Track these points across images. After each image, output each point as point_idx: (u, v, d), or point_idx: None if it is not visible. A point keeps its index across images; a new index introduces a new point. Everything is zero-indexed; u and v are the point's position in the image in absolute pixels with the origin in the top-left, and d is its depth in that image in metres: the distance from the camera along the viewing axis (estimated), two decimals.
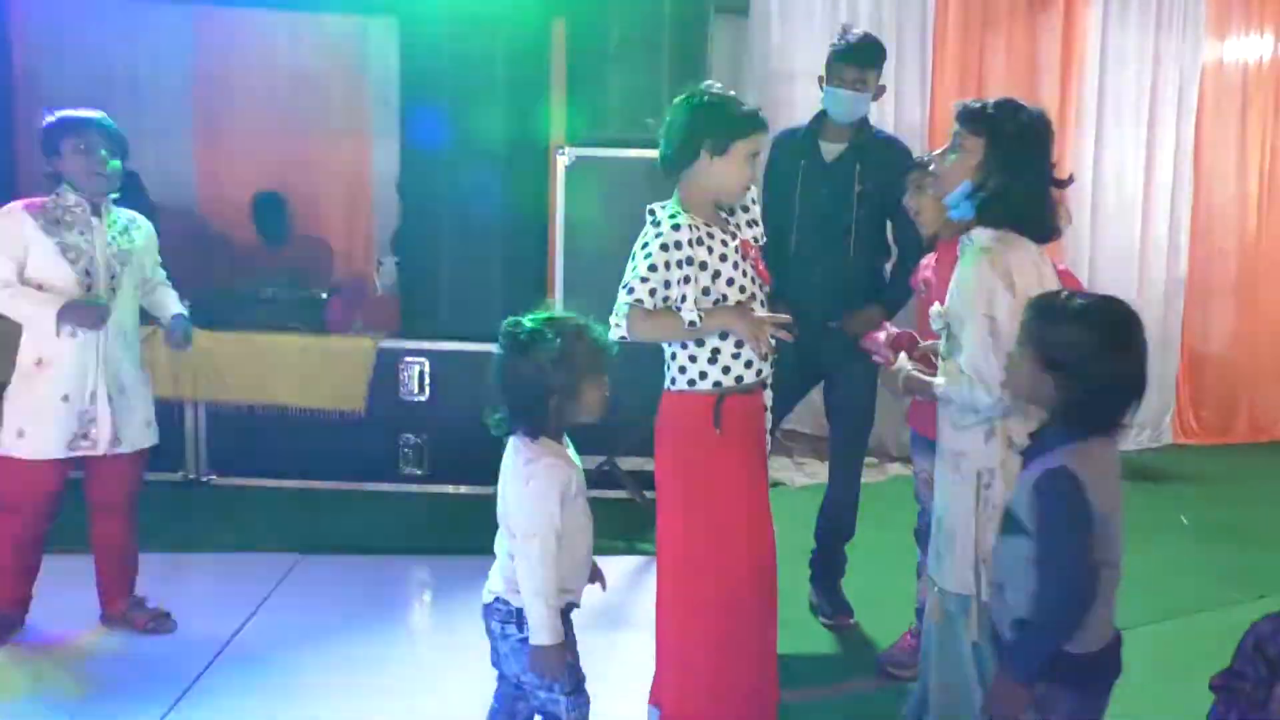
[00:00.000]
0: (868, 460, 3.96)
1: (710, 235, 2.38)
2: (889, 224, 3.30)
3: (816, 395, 3.48)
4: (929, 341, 2.41)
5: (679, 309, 2.33)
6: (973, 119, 2.19)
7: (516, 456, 2.07)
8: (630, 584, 3.54)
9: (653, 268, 2.32)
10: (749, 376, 2.42)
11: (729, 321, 2.35)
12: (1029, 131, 2.18)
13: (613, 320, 2.32)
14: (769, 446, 2.57)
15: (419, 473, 4.43)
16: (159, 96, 5.31)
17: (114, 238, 2.95)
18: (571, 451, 2.14)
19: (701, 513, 2.41)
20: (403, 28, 4.50)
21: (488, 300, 4.44)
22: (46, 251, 2.84)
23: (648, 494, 3.99)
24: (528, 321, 2.05)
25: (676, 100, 2.47)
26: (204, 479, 4.45)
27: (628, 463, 4.30)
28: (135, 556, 3.11)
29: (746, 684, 2.44)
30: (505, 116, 4.36)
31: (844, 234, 3.21)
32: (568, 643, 2.08)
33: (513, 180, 4.41)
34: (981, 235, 2.17)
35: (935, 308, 2.25)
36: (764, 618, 2.49)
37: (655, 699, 2.51)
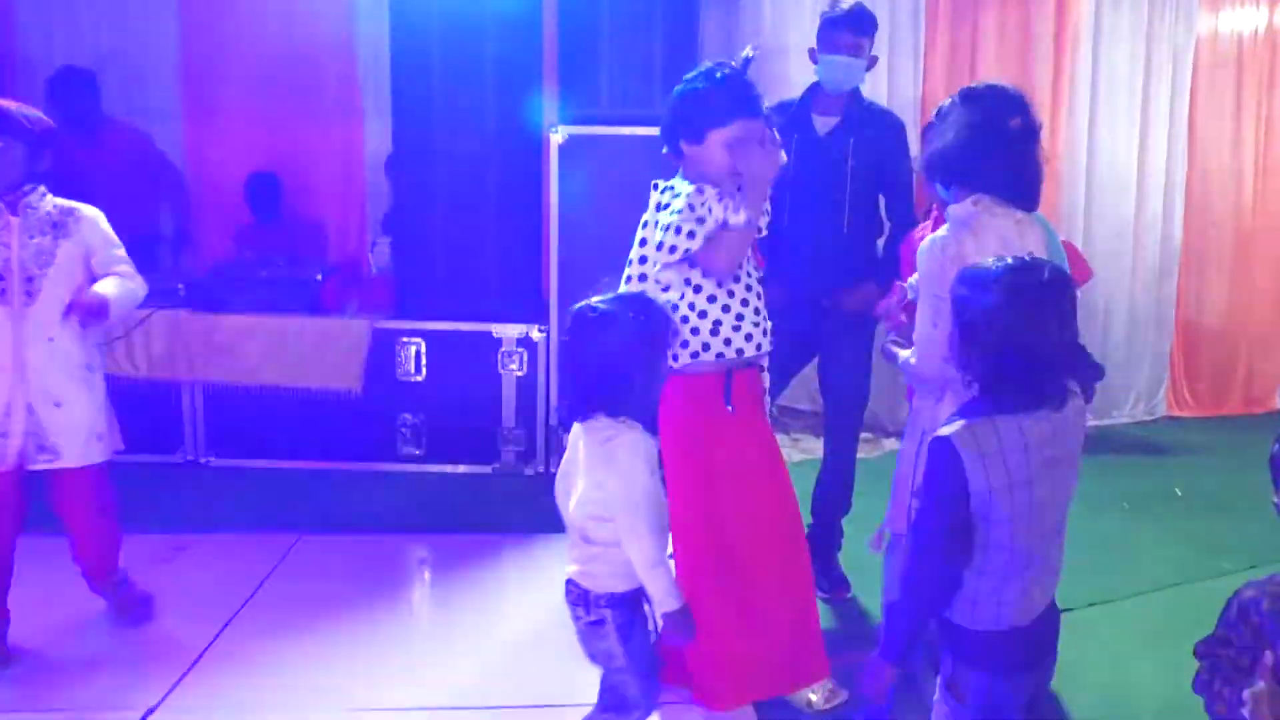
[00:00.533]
0: (864, 436, 3.98)
1: (710, 212, 2.39)
2: (881, 198, 3.31)
3: (811, 372, 3.49)
4: None
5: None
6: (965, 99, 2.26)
7: (592, 437, 2.05)
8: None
9: (685, 210, 2.33)
10: (749, 350, 2.44)
11: (761, 179, 2.34)
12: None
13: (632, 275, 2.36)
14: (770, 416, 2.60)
15: (416, 452, 4.45)
16: (148, 78, 5.29)
17: (34, 237, 2.68)
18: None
19: (721, 488, 2.43)
20: (393, 6, 4.47)
21: (483, 280, 4.45)
22: None
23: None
24: (601, 303, 2.04)
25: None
26: (202, 460, 4.46)
27: None
28: (110, 550, 2.97)
29: (775, 649, 2.47)
30: (497, 95, 4.35)
31: (837, 208, 3.21)
32: (640, 624, 2.09)
33: (506, 159, 4.41)
34: (956, 210, 2.22)
35: (911, 279, 2.30)
36: (793, 574, 2.53)
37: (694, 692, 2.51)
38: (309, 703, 2.67)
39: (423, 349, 4.40)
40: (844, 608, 3.33)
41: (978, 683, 1.80)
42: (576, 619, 2.12)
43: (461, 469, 4.45)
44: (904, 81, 5.38)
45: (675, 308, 2.37)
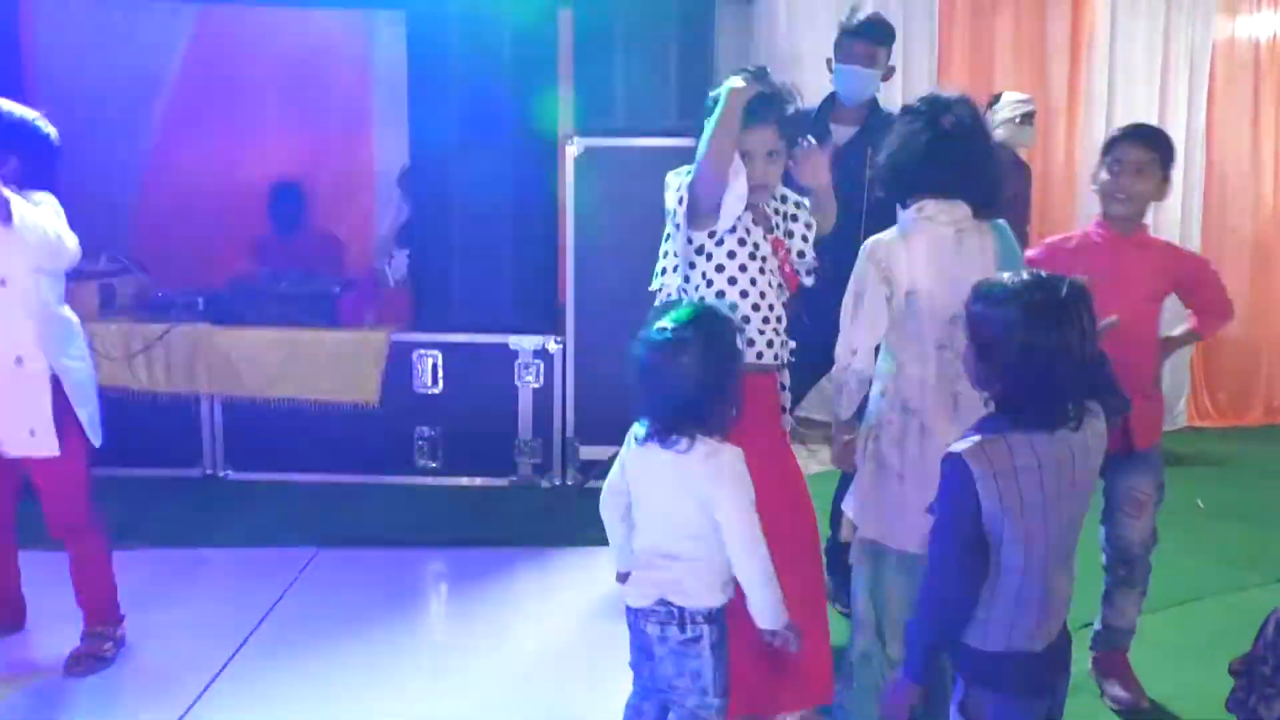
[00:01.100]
0: None
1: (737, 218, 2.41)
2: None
3: (829, 383, 3.47)
4: None
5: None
6: None
7: (691, 455, 2.01)
8: None
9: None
10: (767, 356, 2.43)
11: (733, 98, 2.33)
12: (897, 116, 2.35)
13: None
14: (788, 426, 2.58)
15: (433, 465, 4.45)
16: (167, 94, 5.33)
17: None
18: None
19: None
20: (410, 20, 4.50)
21: (499, 291, 4.45)
22: None
23: None
24: (674, 324, 2.02)
25: None
26: (221, 474, 4.48)
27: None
28: (93, 582, 2.87)
29: (769, 667, 2.44)
30: (513, 107, 4.36)
31: (856, 218, 3.20)
32: (726, 640, 2.08)
33: (522, 171, 4.41)
34: (902, 217, 2.29)
35: None
36: (815, 592, 2.51)
37: None
38: (328, 717, 2.67)
39: (439, 361, 4.40)
40: None
41: (990, 704, 1.79)
42: (665, 640, 2.06)
43: (478, 482, 4.45)
44: (919, 89, 5.35)
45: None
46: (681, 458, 2.01)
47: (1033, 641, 1.77)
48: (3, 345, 2.69)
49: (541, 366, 4.40)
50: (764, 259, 2.49)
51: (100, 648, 2.86)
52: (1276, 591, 2.89)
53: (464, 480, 4.45)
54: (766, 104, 2.40)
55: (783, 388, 2.57)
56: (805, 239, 2.60)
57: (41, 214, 2.64)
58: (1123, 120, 5.49)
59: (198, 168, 5.33)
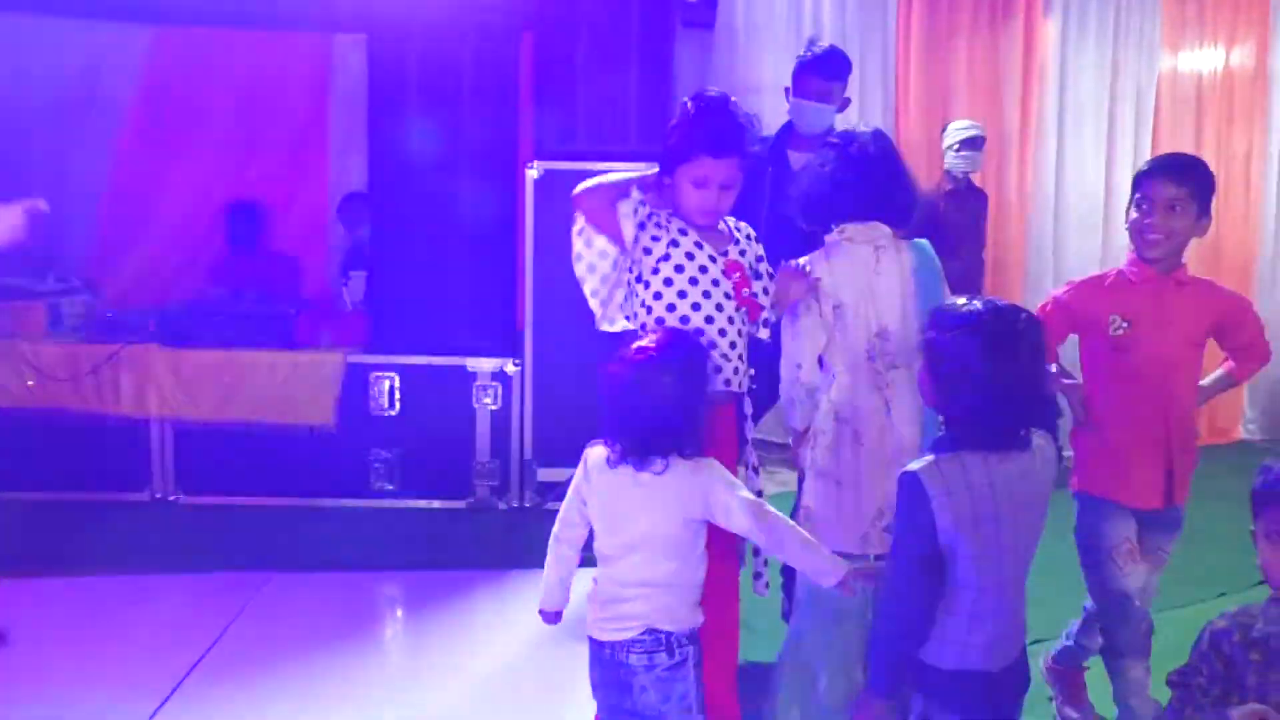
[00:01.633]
0: None
1: (683, 233, 2.40)
2: None
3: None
4: None
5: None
6: None
7: (671, 474, 2.01)
8: None
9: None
10: (734, 383, 2.42)
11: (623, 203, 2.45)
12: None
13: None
14: (752, 460, 2.54)
15: (390, 487, 4.41)
16: (120, 115, 5.26)
17: None
18: None
19: None
20: (372, 43, 4.50)
21: (457, 314, 4.45)
22: None
23: None
24: (647, 347, 2.04)
25: None
26: (171, 498, 4.40)
27: None
28: None
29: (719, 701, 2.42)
30: (473, 130, 4.37)
31: (811, 244, 3.24)
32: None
33: (481, 194, 4.42)
34: (827, 240, 2.43)
35: None
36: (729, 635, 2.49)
37: None
38: None
39: (396, 383, 4.38)
40: None
41: None
42: (651, 668, 2.03)
43: (435, 504, 4.42)
44: (873, 117, 5.43)
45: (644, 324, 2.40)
46: (660, 479, 2.01)
47: (988, 661, 1.79)
48: None
49: (500, 389, 4.39)
50: (714, 281, 2.42)
51: None
52: (1219, 605, 2.96)
53: (421, 503, 4.41)
54: (736, 136, 2.37)
55: (745, 417, 2.52)
56: (760, 275, 2.54)
57: None
58: (1073, 149, 5.66)
59: (153, 188, 5.29)
